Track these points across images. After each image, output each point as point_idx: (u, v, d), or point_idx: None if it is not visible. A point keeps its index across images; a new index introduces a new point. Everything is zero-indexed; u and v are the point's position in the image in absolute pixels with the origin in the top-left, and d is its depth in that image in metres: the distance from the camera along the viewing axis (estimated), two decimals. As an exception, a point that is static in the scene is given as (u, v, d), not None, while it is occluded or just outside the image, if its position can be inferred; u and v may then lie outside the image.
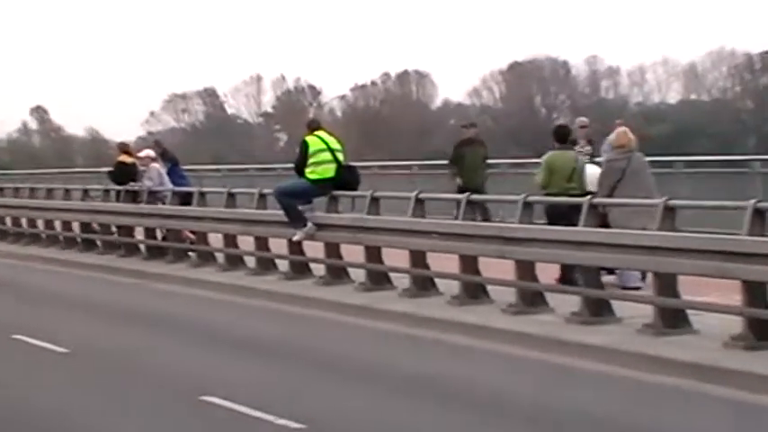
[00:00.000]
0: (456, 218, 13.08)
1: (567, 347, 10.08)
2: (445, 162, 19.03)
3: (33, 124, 79.36)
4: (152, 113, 77.25)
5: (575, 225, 11.12)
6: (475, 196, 13.31)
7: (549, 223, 12.18)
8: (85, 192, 21.76)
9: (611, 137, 12.96)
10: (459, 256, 12.39)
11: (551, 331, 10.60)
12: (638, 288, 12.05)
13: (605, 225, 11.56)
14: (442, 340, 11.06)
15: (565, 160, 13.29)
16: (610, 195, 12.13)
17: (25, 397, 8.65)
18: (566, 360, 9.76)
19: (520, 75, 69.50)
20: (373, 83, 73.74)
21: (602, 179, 12.59)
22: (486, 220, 15.41)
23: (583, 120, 16.51)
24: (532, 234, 11.41)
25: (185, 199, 18.07)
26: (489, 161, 17.99)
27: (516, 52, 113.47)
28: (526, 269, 11.61)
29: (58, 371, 9.75)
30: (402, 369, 9.64)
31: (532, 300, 11.63)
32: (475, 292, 12.41)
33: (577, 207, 12.05)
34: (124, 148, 20.50)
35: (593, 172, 12.98)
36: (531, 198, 11.99)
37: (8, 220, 23.78)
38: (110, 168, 20.63)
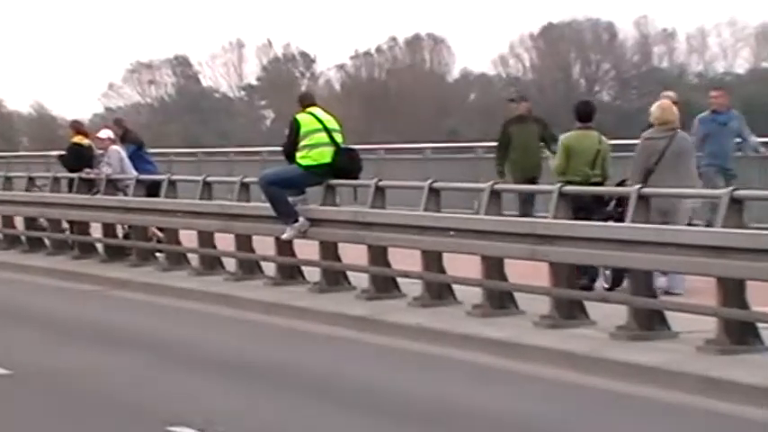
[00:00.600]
0: (477, 211, 13.05)
1: (615, 368, 10.05)
2: (465, 144, 19.01)
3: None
4: (111, 86, 77.43)
5: (596, 219, 11.34)
6: (501, 185, 13.24)
7: (573, 217, 12.15)
8: (31, 180, 21.78)
9: (653, 110, 12.92)
10: (481, 257, 12.36)
11: (594, 349, 10.58)
12: (679, 294, 12.11)
13: (620, 219, 11.67)
14: (460, 359, 11.03)
15: (587, 143, 13.34)
16: (644, 181, 12.10)
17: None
18: (613, 384, 9.73)
19: (555, 40, 69.49)
20: (378, 50, 73.83)
21: (636, 160, 12.59)
22: (525, 215, 15.24)
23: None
24: (573, 231, 11.36)
25: (152, 189, 18.06)
26: (547, 141, 16.48)
27: (551, 13, 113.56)
28: (563, 273, 11.58)
29: (-3, 396, 9.76)
30: (413, 395, 9.61)
31: (570, 310, 11.60)
32: (501, 301, 12.39)
33: (601, 198, 12.15)
34: (78, 128, 20.51)
35: None
36: (567, 189, 11.94)
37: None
38: (61, 152, 20.64)
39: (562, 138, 13.54)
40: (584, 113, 13.61)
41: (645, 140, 12.73)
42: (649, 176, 12.29)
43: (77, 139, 19.90)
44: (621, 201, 12.29)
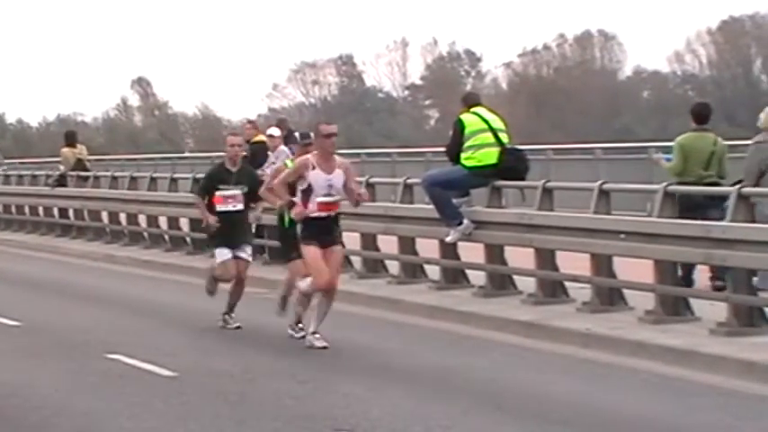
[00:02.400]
0: (650, 214, 12.90)
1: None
2: (637, 144, 18.78)
3: (134, 100, 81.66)
4: (275, 86, 78.62)
5: (709, 219, 11.67)
6: (674, 187, 13.04)
7: (680, 216, 12.37)
8: (196, 181, 22.25)
9: (762, 116, 13.18)
10: (653, 261, 12.22)
11: (693, 344, 10.52)
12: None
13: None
14: (632, 368, 10.91)
15: (702, 144, 13.57)
16: (757, 184, 12.42)
17: None
18: None
19: (734, 34, 68.11)
20: (546, 47, 73.37)
21: (749, 164, 12.95)
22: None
23: None
24: (749, 235, 11.16)
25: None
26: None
27: (730, 5, 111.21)
28: (742, 279, 11.39)
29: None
30: (581, 404, 9.55)
31: (749, 318, 11.40)
32: (675, 307, 12.22)
33: (714, 198, 12.45)
34: (258, 127, 20.73)
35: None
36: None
37: (104, 215, 24.53)
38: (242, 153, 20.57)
39: (678, 139, 13.83)
40: (701, 115, 13.90)
41: (756, 144, 13.05)
42: (762, 178, 12.63)
43: (260, 137, 20.05)
44: None
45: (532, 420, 8.98)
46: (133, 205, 22.93)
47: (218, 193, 13.44)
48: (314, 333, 12.01)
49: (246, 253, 13.64)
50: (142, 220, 23.03)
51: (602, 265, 12.92)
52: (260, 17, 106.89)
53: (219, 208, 13.45)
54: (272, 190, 12.38)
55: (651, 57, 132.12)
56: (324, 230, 11.80)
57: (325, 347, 11.86)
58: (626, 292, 13.01)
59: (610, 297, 12.97)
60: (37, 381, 10.66)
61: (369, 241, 16.68)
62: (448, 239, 14.67)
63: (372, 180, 17.23)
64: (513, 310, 13.52)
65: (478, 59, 76.43)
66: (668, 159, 14.01)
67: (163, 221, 22.32)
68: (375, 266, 16.62)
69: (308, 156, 11.91)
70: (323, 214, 11.78)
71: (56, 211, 26.38)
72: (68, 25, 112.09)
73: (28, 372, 11.14)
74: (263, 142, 19.87)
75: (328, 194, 11.77)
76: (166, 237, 22.12)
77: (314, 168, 11.76)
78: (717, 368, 10.53)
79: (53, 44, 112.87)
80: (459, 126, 14.67)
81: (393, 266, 16.33)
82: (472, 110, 14.77)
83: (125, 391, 10.16)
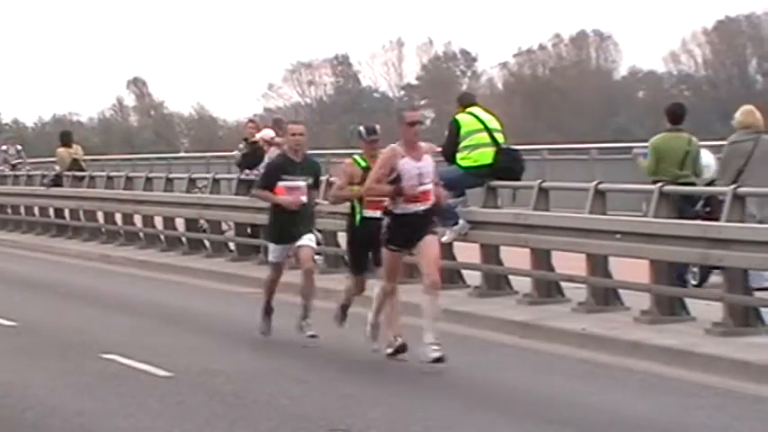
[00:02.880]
0: (646, 214, 12.91)
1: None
2: (633, 144, 18.79)
3: (130, 100, 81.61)
4: (271, 86, 78.59)
5: (686, 218, 11.98)
6: (670, 188, 13.04)
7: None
8: (191, 181, 22.25)
9: (737, 115, 13.45)
10: (649, 261, 12.22)
11: (689, 344, 10.59)
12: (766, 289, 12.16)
13: (708, 219, 12.31)
14: (628, 368, 10.91)
15: (676, 144, 13.79)
16: (735, 181, 12.57)
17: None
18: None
19: (730, 34, 68.15)
20: (542, 47, 73.40)
21: (725, 164, 13.24)
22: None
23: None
24: (746, 235, 11.17)
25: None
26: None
27: (726, 5, 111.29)
28: (737, 279, 11.39)
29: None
30: (578, 404, 9.55)
31: (745, 317, 11.41)
32: (671, 307, 12.22)
33: (688, 198, 12.82)
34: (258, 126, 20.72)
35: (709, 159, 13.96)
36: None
37: (100, 215, 24.50)
38: (239, 151, 20.56)
39: (652, 140, 14.08)
40: (676, 115, 14.14)
41: (731, 144, 13.33)
42: (737, 179, 12.80)
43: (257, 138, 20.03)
44: (709, 201, 13.29)
45: (529, 420, 8.98)
46: (129, 205, 22.91)
47: (281, 183, 12.47)
48: (431, 344, 10.73)
49: (311, 240, 12.56)
50: (138, 220, 23.02)
51: (598, 265, 12.91)
52: (255, 17, 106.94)
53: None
54: (371, 190, 11.09)
55: (647, 57, 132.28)
56: (415, 227, 10.80)
57: (438, 359, 10.64)
58: (621, 291, 13.00)
59: (605, 297, 12.97)
60: (32, 380, 10.64)
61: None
62: (444, 240, 14.65)
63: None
64: (508, 310, 13.51)
65: (474, 59, 76.50)
66: (646, 155, 14.26)
67: (158, 221, 22.30)
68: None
69: (394, 145, 11.00)
70: (414, 208, 10.79)
71: (51, 211, 26.35)
72: (64, 25, 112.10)
73: (23, 372, 11.12)
74: (255, 143, 19.88)
75: (420, 183, 10.84)
76: (162, 237, 22.09)
77: (403, 157, 10.89)
78: (712, 368, 10.53)
79: (49, 44, 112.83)
80: (455, 126, 14.67)
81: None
82: (468, 110, 14.77)
83: (120, 390, 10.14)
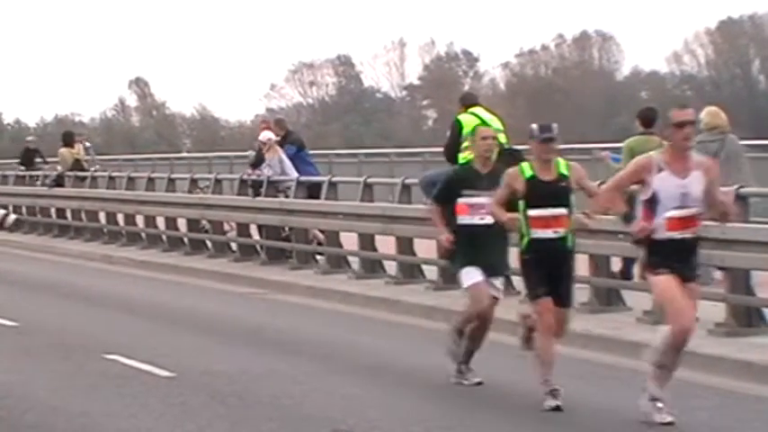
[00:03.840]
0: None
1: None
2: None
3: (132, 101, 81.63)
4: (273, 87, 78.54)
5: None
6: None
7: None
8: (193, 182, 22.26)
9: (702, 116, 13.69)
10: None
11: (691, 344, 10.47)
12: None
13: None
14: (631, 368, 10.91)
15: (649, 147, 14.35)
16: None
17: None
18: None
19: (733, 35, 68.12)
20: (544, 47, 73.39)
21: None
22: None
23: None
24: (750, 235, 11.19)
25: (312, 191, 18.26)
26: None
27: (729, 6, 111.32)
28: (739, 279, 11.42)
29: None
30: (580, 404, 9.54)
31: (747, 318, 11.42)
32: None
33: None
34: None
35: None
36: (746, 192, 11.86)
37: (102, 216, 24.51)
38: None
39: (626, 142, 14.49)
40: (648, 119, 14.54)
41: (697, 144, 13.55)
42: None
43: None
44: None
45: (532, 420, 8.98)
46: (131, 205, 22.91)
47: (462, 200, 10.20)
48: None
49: (497, 288, 10.30)
50: (140, 220, 23.02)
51: (602, 266, 12.91)
52: (258, 17, 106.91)
53: (463, 220, 10.21)
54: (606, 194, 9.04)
55: (649, 57, 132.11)
56: (679, 257, 8.57)
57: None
58: (623, 292, 13.00)
59: (608, 298, 12.97)
60: (34, 381, 10.65)
61: (367, 241, 16.67)
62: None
63: (370, 180, 17.24)
64: (510, 310, 13.49)
65: (476, 60, 76.45)
66: (616, 159, 14.55)
67: (160, 222, 22.31)
68: (373, 266, 16.61)
69: (652, 154, 8.79)
70: (677, 235, 8.55)
71: (53, 212, 26.35)
72: (66, 26, 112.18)
73: (25, 372, 11.12)
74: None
75: (683, 206, 8.55)
76: (164, 237, 22.10)
77: (660, 170, 8.61)
78: (715, 368, 10.53)
79: (51, 45, 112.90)
80: (458, 126, 14.67)
81: (392, 267, 16.31)
82: (470, 110, 14.78)
83: (122, 391, 10.15)
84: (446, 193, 10.44)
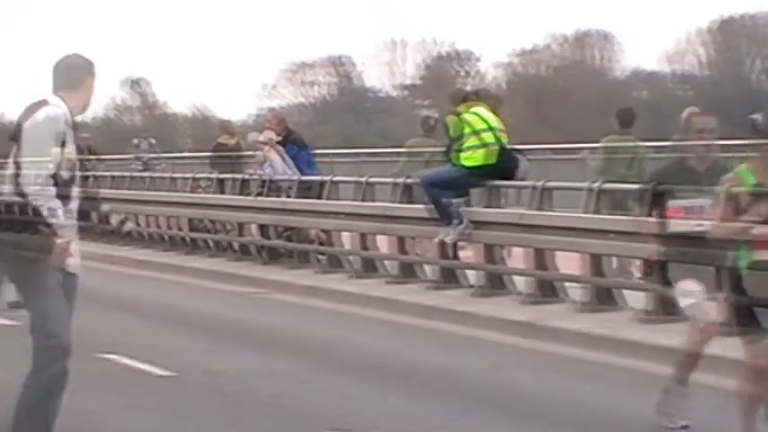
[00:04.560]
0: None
1: None
2: (633, 144, 18.76)
3: (132, 100, 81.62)
4: (272, 86, 78.49)
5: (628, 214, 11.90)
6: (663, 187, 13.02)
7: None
8: (194, 181, 22.26)
9: (683, 116, 13.75)
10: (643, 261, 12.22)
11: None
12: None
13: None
14: (627, 367, 10.92)
15: (623, 146, 14.37)
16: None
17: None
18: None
19: (733, 34, 68.07)
20: (544, 46, 73.35)
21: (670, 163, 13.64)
22: None
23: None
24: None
25: (312, 191, 18.27)
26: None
27: (728, 5, 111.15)
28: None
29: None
30: (579, 404, 9.55)
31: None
32: (673, 307, 12.21)
33: (632, 194, 12.76)
34: (226, 128, 20.76)
35: None
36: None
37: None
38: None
39: (603, 140, 15.08)
40: (625, 119, 15.11)
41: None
42: None
43: (224, 138, 20.15)
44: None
45: (529, 420, 8.99)
46: (132, 205, 22.90)
47: (675, 203, 8.45)
48: None
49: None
50: (141, 220, 23.02)
51: (596, 265, 12.93)
52: (255, 17, 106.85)
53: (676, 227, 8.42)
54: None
55: (649, 56, 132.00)
56: None
57: None
58: (622, 291, 13.01)
59: (600, 297, 12.98)
60: (34, 381, 10.64)
61: (366, 241, 16.69)
62: (447, 240, 14.68)
63: (371, 180, 17.25)
64: (509, 309, 13.52)
65: (478, 59, 76.40)
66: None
67: (161, 221, 22.30)
68: (372, 266, 16.62)
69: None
70: None
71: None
72: (64, 25, 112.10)
73: (24, 372, 11.11)
74: (223, 144, 19.95)
75: None
76: (165, 236, 22.10)
77: None
78: (713, 367, 10.51)
79: (49, 44, 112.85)
80: (460, 125, 14.71)
81: (390, 266, 16.32)
82: (472, 109, 14.80)
83: (121, 390, 10.16)
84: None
